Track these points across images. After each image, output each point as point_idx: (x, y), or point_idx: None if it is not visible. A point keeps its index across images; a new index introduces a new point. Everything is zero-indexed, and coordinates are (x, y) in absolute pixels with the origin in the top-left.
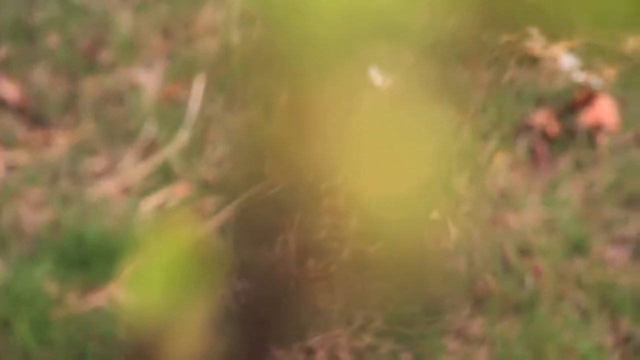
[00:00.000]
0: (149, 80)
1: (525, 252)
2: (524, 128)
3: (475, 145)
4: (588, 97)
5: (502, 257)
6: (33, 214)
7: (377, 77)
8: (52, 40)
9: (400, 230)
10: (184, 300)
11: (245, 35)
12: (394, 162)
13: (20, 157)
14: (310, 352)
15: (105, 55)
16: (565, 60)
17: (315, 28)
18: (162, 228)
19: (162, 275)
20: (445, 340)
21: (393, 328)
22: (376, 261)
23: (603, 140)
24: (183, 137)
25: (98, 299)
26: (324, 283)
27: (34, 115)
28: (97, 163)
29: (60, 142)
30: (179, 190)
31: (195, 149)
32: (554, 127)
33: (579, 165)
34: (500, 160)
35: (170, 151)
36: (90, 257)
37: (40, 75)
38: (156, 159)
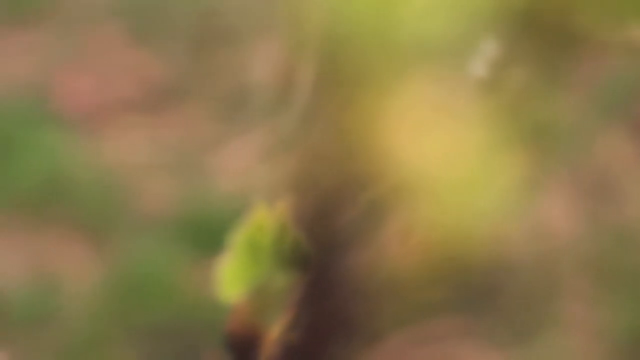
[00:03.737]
0: (264, 54)
1: (627, 241)
2: (626, 115)
3: (577, 132)
4: None
5: (601, 247)
6: (149, 192)
7: (477, 67)
8: (178, 12)
9: (494, 220)
10: (276, 279)
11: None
12: (491, 151)
13: (144, 131)
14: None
15: (225, 28)
16: None
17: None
18: (265, 204)
19: (256, 252)
20: (542, 329)
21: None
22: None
23: None
24: (293, 112)
25: (203, 277)
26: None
27: (159, 88)
28: (212, 136)
29: (176, 118)
30: (287, 165)
31: (303, 125)
32: None
33: None
34: (602, 147)
35: (281, 126)
36: (202, 233)
37: (166, 48)
38: (267, 133)
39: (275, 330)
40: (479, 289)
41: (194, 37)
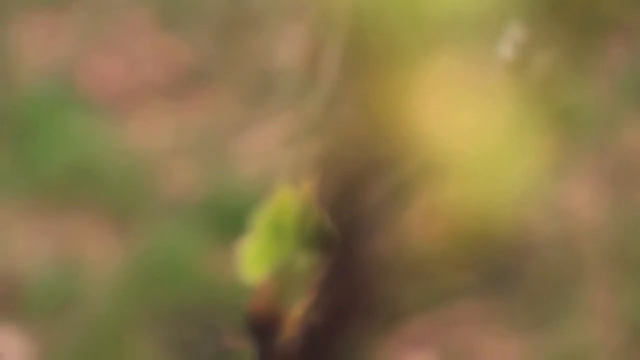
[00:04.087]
0: (291, 38)
1: None
2: None
3: (603, 117)
4: None
5: (625, 233)
6: (174, 176)
7: (504, 49)
8: None
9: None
10: (295, 261)
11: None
12: (517, 132)
13: (170, 115)
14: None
15: (252, 12)
16: None
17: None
18: (289, 185)
19: (279, 233)
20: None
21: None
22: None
23: None
24: (320, 94)
25: (227, 260)
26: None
27: (186, 72)
28: (238, 120)
29: (202, 102)
30: (313, 146)
31: (330, 107)
32: None
33: None
34: (628, 133)
35: (307, 108)
36: (226, 217)
37: (193, 32)
38: (293, 116)
39: (296, 311)
40: (501, 273)
41: (221, 21)
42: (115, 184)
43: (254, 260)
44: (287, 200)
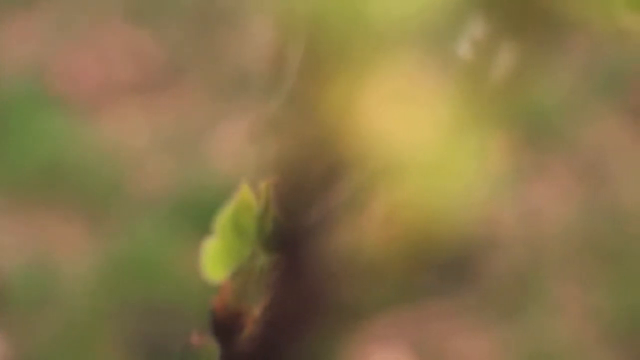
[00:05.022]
0: (262, 35)
1: (620, 223)
2: (619, 105)
3: (568, 117)
4: None
5: (594, 230)
6: (146, 173)
7: (462, 49)
8: None
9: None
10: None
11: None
12: (476, 133)
13: (142, 112)
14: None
15: (223, 9)
16: None
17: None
18: (250, 184)
19: (239, 233)
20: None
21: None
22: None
23: None
24: (280, 94)
25: (196, 258)
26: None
27: (158, 69)
28: (211, 117)
29: (174, 100)
30: (272, 146)
31: (289, 107)
32: None
33: None
34: (594, 132)
35: (269, 108)
36: (200, 214)
37: (166, 29)
38: (258, 114)
39: (256, 311)
40: (468, 271)
41: (192, 18)
42: (88, 181)
43: (215, 260)
44: (248, 199)
